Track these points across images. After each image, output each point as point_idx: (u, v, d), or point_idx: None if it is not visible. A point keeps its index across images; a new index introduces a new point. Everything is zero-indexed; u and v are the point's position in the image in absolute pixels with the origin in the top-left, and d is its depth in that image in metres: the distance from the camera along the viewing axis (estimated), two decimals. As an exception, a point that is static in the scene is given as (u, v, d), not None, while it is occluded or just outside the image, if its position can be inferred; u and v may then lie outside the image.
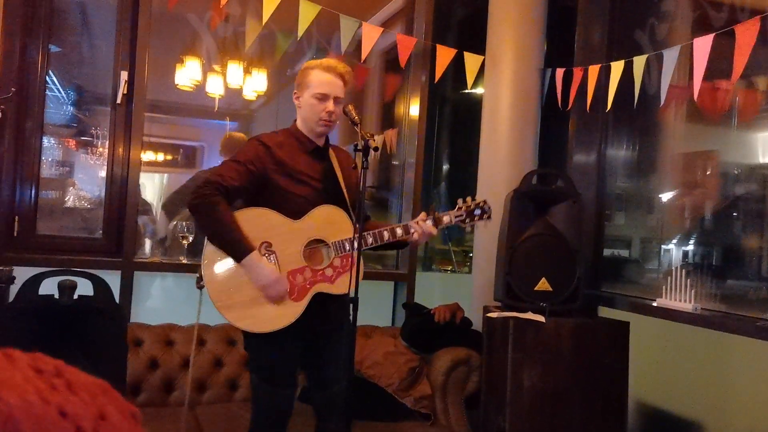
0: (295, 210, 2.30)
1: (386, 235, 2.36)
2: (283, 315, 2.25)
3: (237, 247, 2.20)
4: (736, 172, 3.19)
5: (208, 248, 2.27)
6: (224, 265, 2.26)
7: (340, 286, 2.32)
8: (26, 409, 0.36)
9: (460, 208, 2.50)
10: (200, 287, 2.27)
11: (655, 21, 3.42)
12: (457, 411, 3.26)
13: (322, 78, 2.32)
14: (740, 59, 2.50)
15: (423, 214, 2.44)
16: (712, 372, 3.10)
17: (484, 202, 2.53)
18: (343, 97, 2.36)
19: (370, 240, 2.35)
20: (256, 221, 2.26)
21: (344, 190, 2.39)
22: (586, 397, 2.91)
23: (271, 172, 2.28)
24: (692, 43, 2.75)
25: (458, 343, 3.40)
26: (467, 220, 2.50)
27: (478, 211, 2.51)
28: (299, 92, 2.38)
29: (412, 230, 2.39)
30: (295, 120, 2.43)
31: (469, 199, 2.53)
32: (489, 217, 2.54)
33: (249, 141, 2.37)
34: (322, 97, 2.31)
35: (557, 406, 2.89)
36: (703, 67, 2.68)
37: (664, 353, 3.35)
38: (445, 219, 2.46)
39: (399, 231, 2.38)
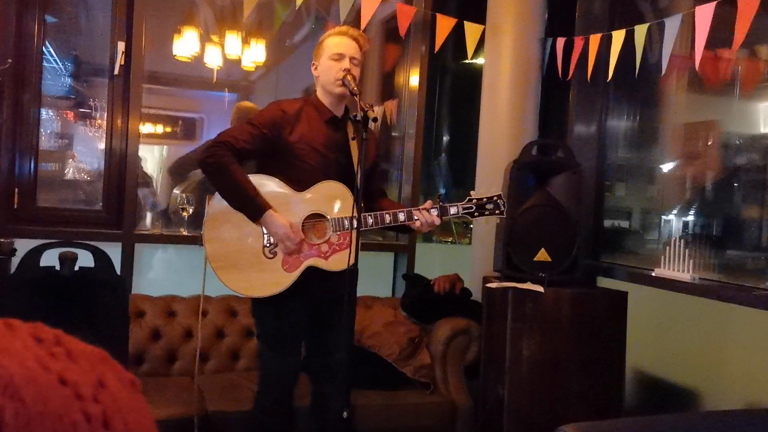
0: (303, 178, 2.31)
1: (387, 218, 2.31)
2: (275, 283, 2.29)
3: (252, 206, 2.21)
4: (737, 142, 3.17)
5: (212, 208, 2.29)
6: (227, 227, 2.28)
7: (334, 264, 2.30)
8: (27, 376, 0.37)
9: (470, 200, 2.42)
10: (201, 245, 2.30)
11: (658, -11, 3.38)
12: (457, 380, 3.30)
13: (336, 41, 2.37)
14: (742, 27, 2.47)
15: (429, 203, 2.38)
16: (709, 341, 3.13)
17: (499, 196, 2.43)
18: (358, 59, 2.37)
19: (370, 221, 2.31)
20: (260, 190, 2.25)
21: (355, 164, 2.34)
22: (584, 367, 2.94)
23: (287, 137, 2.29)
24: (694, 12, 2.72)
25: (458, 314, 3.42)
26: (476, 214, 2.41)
27: (490, 205, 2.41)
28: (316, 61, 2.41)
29: (415, 218, 2.33)
30: (315, 90, 2.46)
31: (483, 192, 2.45)
32: (502, 213, 2.43)
33: (269, 105, 2.39)
34: (339, 57, 2.33)
35: (555, 375, 2.92)
36: (704, 35, 2.65)
37: (662, 323, 3.37)
38: (452, 210, 2.40)
39: (401, 216, 2.32)
